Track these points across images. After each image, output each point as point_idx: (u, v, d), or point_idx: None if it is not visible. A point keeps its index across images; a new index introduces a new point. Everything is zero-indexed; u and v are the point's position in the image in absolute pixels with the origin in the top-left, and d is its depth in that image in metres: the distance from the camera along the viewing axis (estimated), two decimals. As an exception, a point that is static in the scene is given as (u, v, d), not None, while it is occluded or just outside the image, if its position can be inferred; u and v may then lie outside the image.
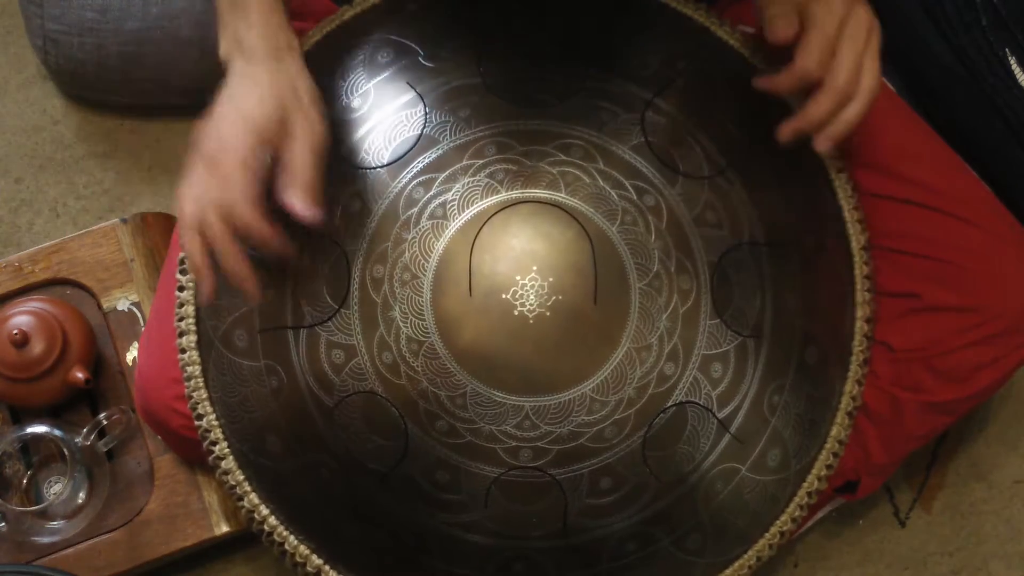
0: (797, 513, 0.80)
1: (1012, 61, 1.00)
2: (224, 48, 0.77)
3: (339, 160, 0.80)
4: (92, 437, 0.97)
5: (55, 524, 0.97)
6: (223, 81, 0.76)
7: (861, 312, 0.82)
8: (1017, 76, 1.00)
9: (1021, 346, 0.86)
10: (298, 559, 0.80)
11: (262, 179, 0.73)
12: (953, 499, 1.10)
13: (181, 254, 0.83)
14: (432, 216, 0.78)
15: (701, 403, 0.78)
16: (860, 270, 0.83)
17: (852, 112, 0.75)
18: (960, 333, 0.85)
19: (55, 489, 0.99)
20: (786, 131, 0.77)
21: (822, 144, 0.77)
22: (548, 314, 0.76)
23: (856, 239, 0.83)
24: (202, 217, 0.72)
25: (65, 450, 0.96)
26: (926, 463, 1.10)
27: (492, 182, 0.78)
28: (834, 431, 0.81)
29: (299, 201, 0.73)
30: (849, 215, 0.83)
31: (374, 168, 0.80)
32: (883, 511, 1.09)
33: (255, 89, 0.74)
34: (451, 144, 0.80)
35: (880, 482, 0.92)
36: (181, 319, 0.82)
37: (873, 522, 1.09)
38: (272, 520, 0.80)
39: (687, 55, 0.83)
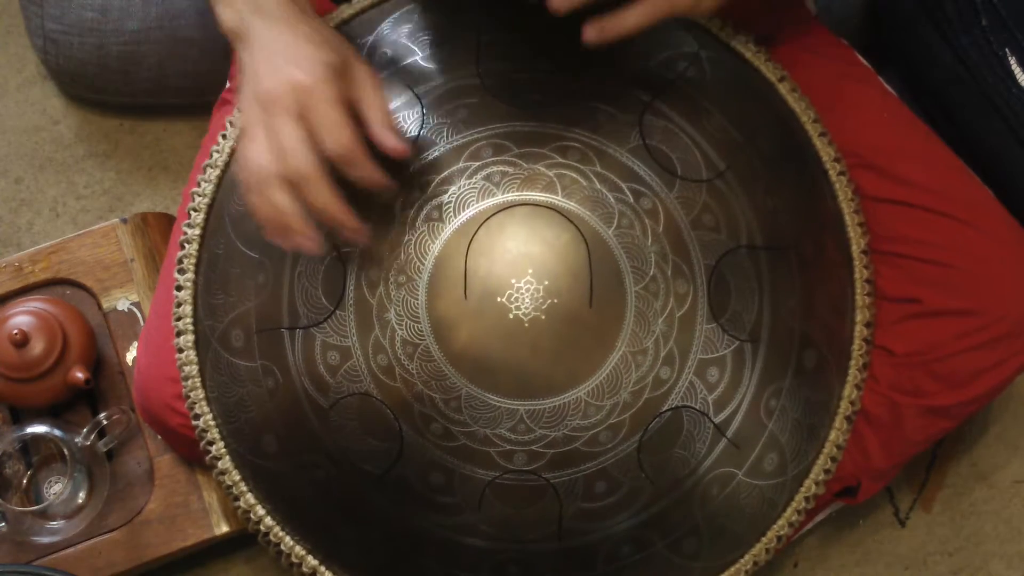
0: (794, 518, 0.80)
1: (1012, 61, 0.99)
2: (231, 17, 0.70)
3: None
4: (92, 437, 0.97)
5: (55, 524, 0.97)
6: (243, 48, 0.70)
7: (860, 316, 0.82)
8: (1017, 76, 0.99)
9: (1022, 351, 0.86)
10: (294, 559, 0.80)
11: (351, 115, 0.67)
12: (953, 499, 1.10)
13: (180, 253, 0.83)
14: (428, 218, 0.78)
15: (697, 407, 0.77)
16: (860, 274, 0.82)
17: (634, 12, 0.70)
18: (960, 337, 0.85)
19: (55, 489, 0.99)
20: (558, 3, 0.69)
21: (587, 31, 0.71)
22: (543, 317, 0.76)
23: (856, 242, 0.83)
24: (288, 165, 0.66)
25: (65, 450, 0.96)
26: (926, 463, 1.10)
27: (489, 184, 0.78)
28: (832, 436, 0.81)
29: (391, 134, 0.69)
30: (849, 218, 0.83)
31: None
32: (883, 511, 1.09)
33: (299, 36, 0.68)
34: (448, 146, 0.79)
35: (880, 486, 0.92)
36: (179, 319, 0.82)
37: (873, 522, 1.09)
38: (268, 520, 0.80)
39: (685, 57, 0.82)
